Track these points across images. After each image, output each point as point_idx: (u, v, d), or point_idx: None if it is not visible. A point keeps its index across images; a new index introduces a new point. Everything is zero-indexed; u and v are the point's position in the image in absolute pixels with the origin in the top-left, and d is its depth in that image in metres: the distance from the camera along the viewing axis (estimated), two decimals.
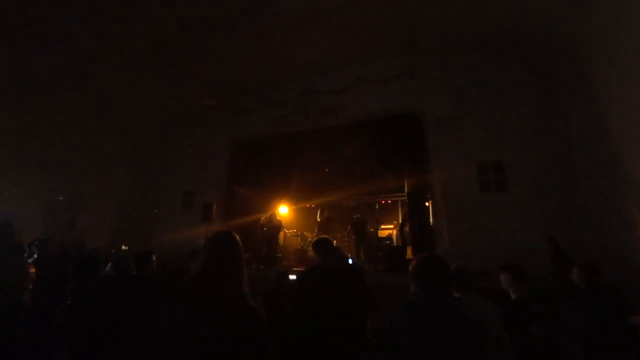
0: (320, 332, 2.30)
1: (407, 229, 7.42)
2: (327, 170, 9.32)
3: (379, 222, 9.90)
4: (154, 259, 3.17)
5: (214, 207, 8.17)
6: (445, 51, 6.68)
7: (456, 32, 6.19)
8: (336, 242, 8.74)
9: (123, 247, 7.23)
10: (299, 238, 9.84)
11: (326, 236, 3.19)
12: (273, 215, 8.52)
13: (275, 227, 8.37)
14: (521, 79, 6.20)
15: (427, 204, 7.16)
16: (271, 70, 7.73)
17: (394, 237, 9.29)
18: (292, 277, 4.27)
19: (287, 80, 8.12)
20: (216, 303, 1.47)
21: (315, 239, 2.99)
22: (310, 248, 8.80)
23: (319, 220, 8.74)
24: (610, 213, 4.52)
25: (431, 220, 6.78)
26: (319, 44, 6.80)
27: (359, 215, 8.84)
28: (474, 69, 6.56)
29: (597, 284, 3.08)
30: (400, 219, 9.73)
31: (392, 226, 10.03)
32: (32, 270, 1.92)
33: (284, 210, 10.32)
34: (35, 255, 3.59)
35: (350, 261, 4.97)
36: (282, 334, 2.73)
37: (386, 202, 10.90)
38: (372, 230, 9.16)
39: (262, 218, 8.50)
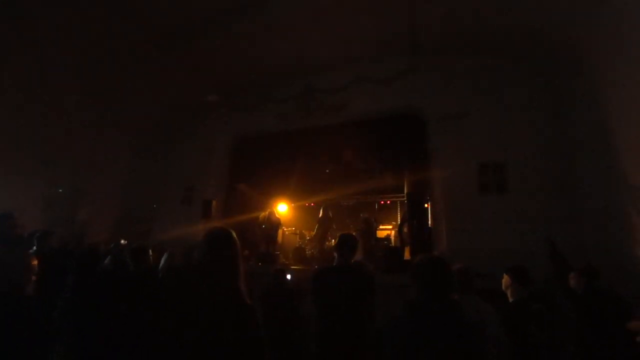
0: (335, 333, 2.35)
1: (405, 229, 7.42)
2: (326, 169, 9.32)
3: (377, 222, 9.90)
4: (151, 253, 3.17)
5: (214, 203, 8.17)
6: (447, 51, 6.67)
7: (459, 33, 6.18)
8: (334, 241, 8.75)
9: (122, 241, 7.23)
10: (298, 236, 9.84)
11: (352, 234, 3.14)
12: (271, 213, 8.52)
13: (273, 225, 8.37)
14: (523, 80, 6.19)
15: (426, 205, 7.16)
16: (273, 67, 7.71)
17: (392, 238, 9.29)
18: (289, 276, 4.28)
19: (289, 78, 8.11)
20: (212, 300, 1.47)
21: (343, 234, 2.94)
22: (309, 247, 8.86)
23: (320, 216, 8.72)
24: (610, 217, 4.53)
25: (430, 221, 6.77)
26: (321, 41, 6.79)
27: (367, 215, 8.82)
28: (476, 70, 6.54)
29: (594, 288, 3.09)
30: (399, 220, 9.73)
31: (390, 227, 10.04)
32: (35, 262, 1.92)
33: (283, 208, 10.32)
34: (35, 247, 3.59)
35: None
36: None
37: (385, 202, 10.90)
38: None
39: (261, 216, 8.50)
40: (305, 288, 3.60)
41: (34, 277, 1.85)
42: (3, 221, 3.12)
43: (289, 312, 3.76)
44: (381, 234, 9.58)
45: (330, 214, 8.71)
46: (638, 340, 1.76)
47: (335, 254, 2.73)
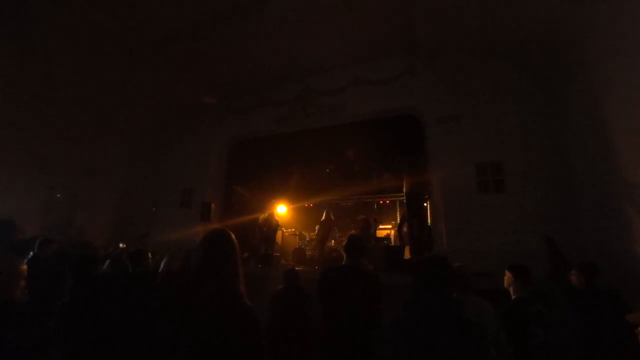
0: (345, 332, 2.37)
1: (405, 229, 7.41)
2: (326, 169, 9.32)
3: (377, 222, 9.90)
4: (150, 257, 3.15)
5: (213, 206, 8.15)
6: (445, 52, 6.68)
7: (456, 34, 6.20)
8: (334, 242, 8.76)
9: (121, 245, 7.21)
10: (297, 237, 9.83)
11: (355, 233, 3.26)
12: (271, 215, 8.51)
13: (273, 227, 8.36)
14: (521, 80, 6.20)
15: (425, 204, 7.16)
16: (271, 69, 7.72)
17: (392, 237, 9.30)
18: None
19: (287, 80, 8.11)
20: (212, 302, 1.46)
21: (352, 235, 3.04)
22: (308, 247, 8.85)
23: (322, 219, 8.72)
24: (608, 215, 4.53)
25: (429, 220, 6.78)
26: (318, 43, 6.80)
27: (365, 216, 8.83)
28: (473, 70, 6.56)
29: (595, 285, 3.08)
30: (398, 219, 9.73)
31: (390, 226, 10.03)
32: (24, 267, 1.89)
33: (282, 210, 10.30)
34: (32, 253, 3.57)
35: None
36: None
37: (384, 202, 10.91)
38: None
39: (260, 218, 8.49)
40: (308, 289, 3.59)
41: (22, 282, 1.83)
42: (2, 228, 3.11)
43: (302, 315, 3.67)
44: (381, 233, 9.58)
45: (332, 217, 8.71)
46: (637, 332, 1.77)
47: (344, 254, 2.85)
